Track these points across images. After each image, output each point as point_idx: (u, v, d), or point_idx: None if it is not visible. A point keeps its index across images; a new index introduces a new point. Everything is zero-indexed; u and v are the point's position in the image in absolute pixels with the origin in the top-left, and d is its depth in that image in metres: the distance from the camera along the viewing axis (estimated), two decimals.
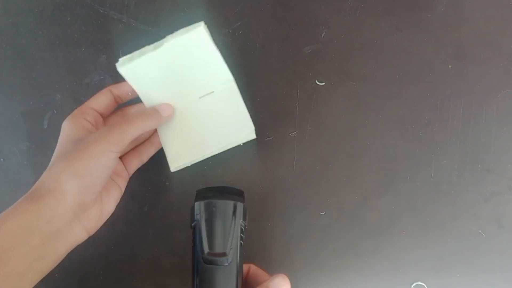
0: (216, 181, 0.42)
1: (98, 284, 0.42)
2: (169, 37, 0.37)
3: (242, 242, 0.31)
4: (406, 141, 0.43)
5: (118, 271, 0.42)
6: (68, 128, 0.35)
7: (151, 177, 0.42)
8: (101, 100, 0.37)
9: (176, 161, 0.40)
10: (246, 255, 0.42)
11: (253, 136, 0.41)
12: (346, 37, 0.43)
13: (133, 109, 0.40)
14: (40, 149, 0.44)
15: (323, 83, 0.43)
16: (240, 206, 0.31)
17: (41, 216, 0.31)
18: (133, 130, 0.35)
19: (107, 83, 0.43)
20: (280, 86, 0.43)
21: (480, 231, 0.42)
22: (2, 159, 0.44)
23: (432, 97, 0.43)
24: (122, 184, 0.38)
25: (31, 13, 0.44)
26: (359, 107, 0.43)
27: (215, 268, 0.30)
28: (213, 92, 0.39)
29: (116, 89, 0.38)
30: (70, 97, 0.44)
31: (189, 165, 0.40)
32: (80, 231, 0.34)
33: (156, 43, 0.37)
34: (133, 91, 0.38)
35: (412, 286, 0.42)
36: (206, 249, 0.30)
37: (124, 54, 0.43)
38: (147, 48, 0.37)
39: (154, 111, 0.37)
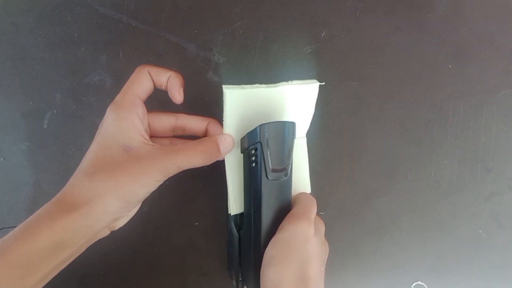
0: (217, 181, 0.42)
1: (98, 284, 0.42)
2: (283, 82, 0.36)
3: None
4: (406, 141, 0.43)
5: (118, 271, 0.42)
6: (116, 124, 0.31)
7: None
8: (144, 86, 0.33)
9: (237, 208, 0.39)
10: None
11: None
12: (346, 37, 0.43)
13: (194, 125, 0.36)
14: (40, 149, 0.44)
15: (323, 83, 0.43)
16: (293, 124, 0.34)
17: (77, 231, 0.29)
18: (187, 165, 0.32)
19: (107, 83, 0.43)
20: None
21: (480, 231, 0.42)
22: (2, 159, 0.44)
23: (432, 97, 0.43)
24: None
25: (31, 13, 0.44)
26: (359, 107, 0.43)
27: (278, 182, 0.33)
28: None
29: (155, 76, 0.34)
30: (70, 97, 0.44)
31: None
32: (105, 232, 0.33)
33: (269, 84, 0.36)
34: (166, 85, 0.35)
35: (412, 286, 0.42)
36: (272, 165, 0.33)
37: (124, 54, 0.43)
38: (257, 85, 0.36)
39: (215, 148, 0.33)
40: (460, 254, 0.42)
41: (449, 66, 0.43)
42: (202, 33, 0.43)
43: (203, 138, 0.34)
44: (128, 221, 0.43)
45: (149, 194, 0.33)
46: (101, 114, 0.44)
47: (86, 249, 0.42)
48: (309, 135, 0.43)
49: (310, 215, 0.33)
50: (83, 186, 0.30)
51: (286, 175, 0.34)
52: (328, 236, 0.42)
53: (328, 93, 0.43)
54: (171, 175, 0.32)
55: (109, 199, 0.29)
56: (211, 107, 0.43)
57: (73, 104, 0.44)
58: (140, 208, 0.43)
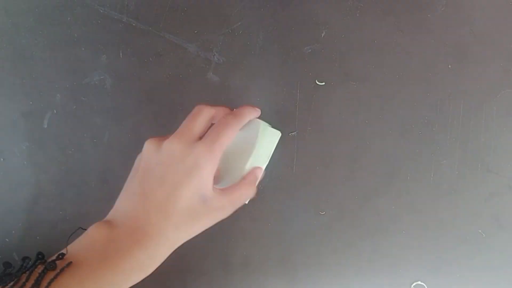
0: None
1: None
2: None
3: None
4: (406, 141, 0.43)
5: None
6: (205, 177, 0.31)
7: None
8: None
9: None
10: (248, 255, 0.42)
11: (278, 133, 0.40)
12: (346, 37, 0.43)
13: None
14: (40, 149, 0.44)
15: (323, 83, 0.43)
16: None
17: (146, 259, 0.30)
18: (242, 202, 0.35)
19: (107, 83, 0.43)
20: (280, 86, 0.43)
21: (480, 231, 0.42)
22: (2, 159, 0.44)
23: (432, 97, 0.43)
24: None
25: (31, 13, 0.44)
26: (359, 107, 0.43)
27: None
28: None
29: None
30: (70, 97, 0.44)
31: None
32: None
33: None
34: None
35: (412, 286, 0.42)
36: None
37: (124, 54, 0.43)
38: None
39: (253, 185, 0.36)
40: (460, 254, 0.42)
41: (449, 66, 0.43)
42: (202, 33, 0.43)
43: (243, 179, 0.36)
44: None
45: None
46: (101, 114, 0.44)
47: None
48: (309, 135, 0.43)
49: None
50: (163, 229, 0.30)
51: None
52: (328, 236, 0.42)
53: (328, 93, 0.43)
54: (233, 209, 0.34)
55: (177, 244, 0.31)
56: None
57: (73, 104, 0.44)
58: None
